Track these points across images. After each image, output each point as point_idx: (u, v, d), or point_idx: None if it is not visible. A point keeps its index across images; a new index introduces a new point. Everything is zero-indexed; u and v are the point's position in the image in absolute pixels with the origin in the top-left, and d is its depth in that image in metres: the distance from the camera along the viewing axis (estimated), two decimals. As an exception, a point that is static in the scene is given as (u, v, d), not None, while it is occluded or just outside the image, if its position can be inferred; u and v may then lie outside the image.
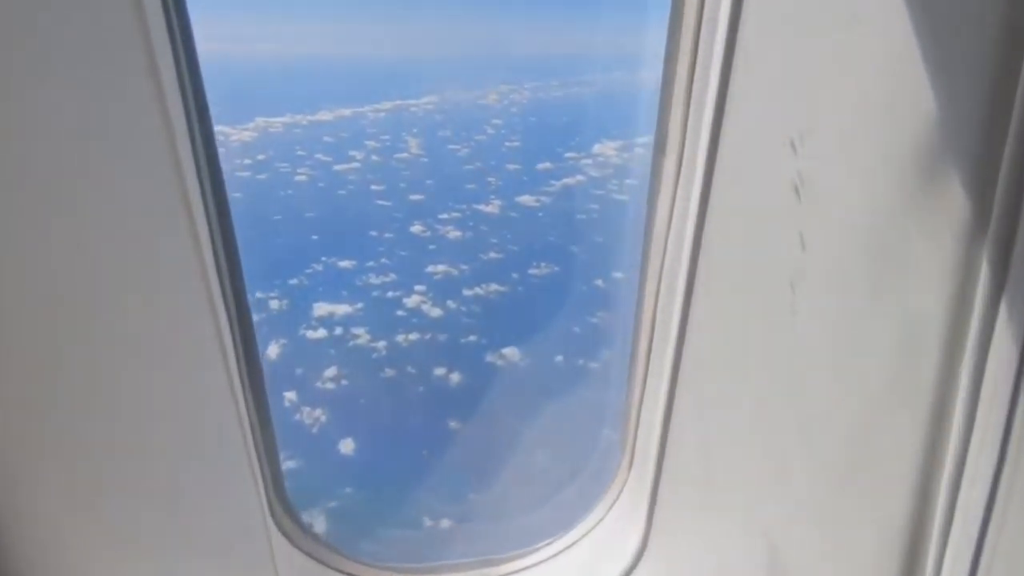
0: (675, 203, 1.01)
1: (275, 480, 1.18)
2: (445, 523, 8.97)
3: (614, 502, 1.34)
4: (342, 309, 14.79)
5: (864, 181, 0.60)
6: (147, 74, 0.64)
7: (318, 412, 11.26)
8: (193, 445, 0.98)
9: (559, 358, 12.98)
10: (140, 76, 0.65)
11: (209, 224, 0.81)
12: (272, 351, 12.51)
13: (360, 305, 15.16)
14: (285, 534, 1.23)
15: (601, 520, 1.34)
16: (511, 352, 13.02)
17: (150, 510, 0.97)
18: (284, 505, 1.23)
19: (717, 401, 0.92)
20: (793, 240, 0.69)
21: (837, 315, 0.66)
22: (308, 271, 16.66)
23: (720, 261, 0.89)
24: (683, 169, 0.97)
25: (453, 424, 11.36)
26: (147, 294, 0.80)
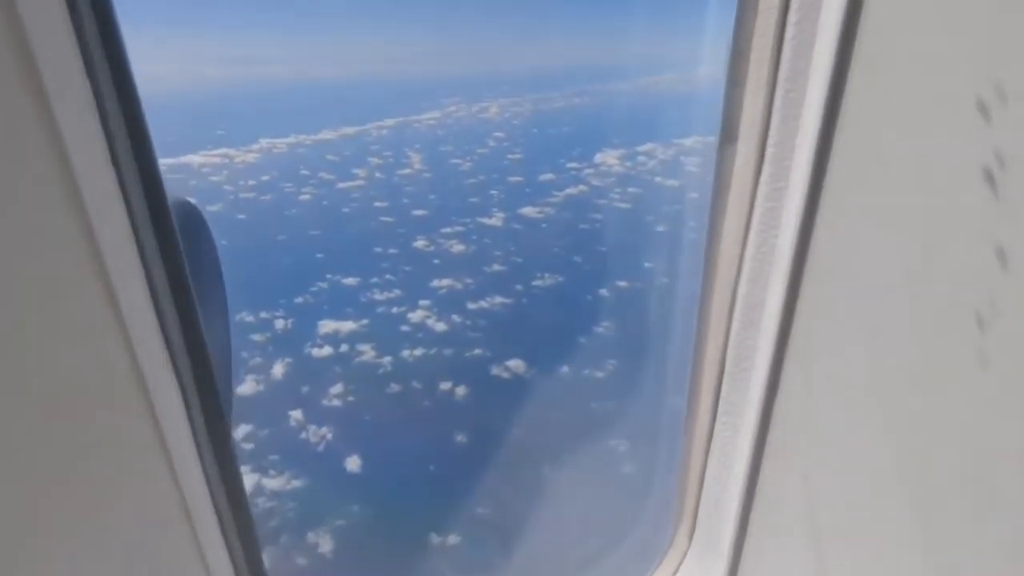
0: (755, 204, 0.77)
1: (251, 565, 0.93)
2: (452, 539, 8.96)
3: (671, 576, 1.08)
4: (347, 326, 14.85)
5: None
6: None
7: (324, 430, 11.24)
8: (133, 525, 0.74)
9: (565, 369, 13.05)
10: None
11: (142, 252, 0.59)
12: (277, 370, 12.54)
13: (365, 322, 15.26)
14: None
15: None
16: (516, 364, 13.05)
17: None
18: None
19: (841, 469, 0.67)
20: (983, 253, 0.45)
21: None
22: (313, 289, 16.66)
23: (844, 283, 0.65)
24: (768, 156, 0.74)
25: (459, 438, 11.38)
26: (47, 332, 0.58)
